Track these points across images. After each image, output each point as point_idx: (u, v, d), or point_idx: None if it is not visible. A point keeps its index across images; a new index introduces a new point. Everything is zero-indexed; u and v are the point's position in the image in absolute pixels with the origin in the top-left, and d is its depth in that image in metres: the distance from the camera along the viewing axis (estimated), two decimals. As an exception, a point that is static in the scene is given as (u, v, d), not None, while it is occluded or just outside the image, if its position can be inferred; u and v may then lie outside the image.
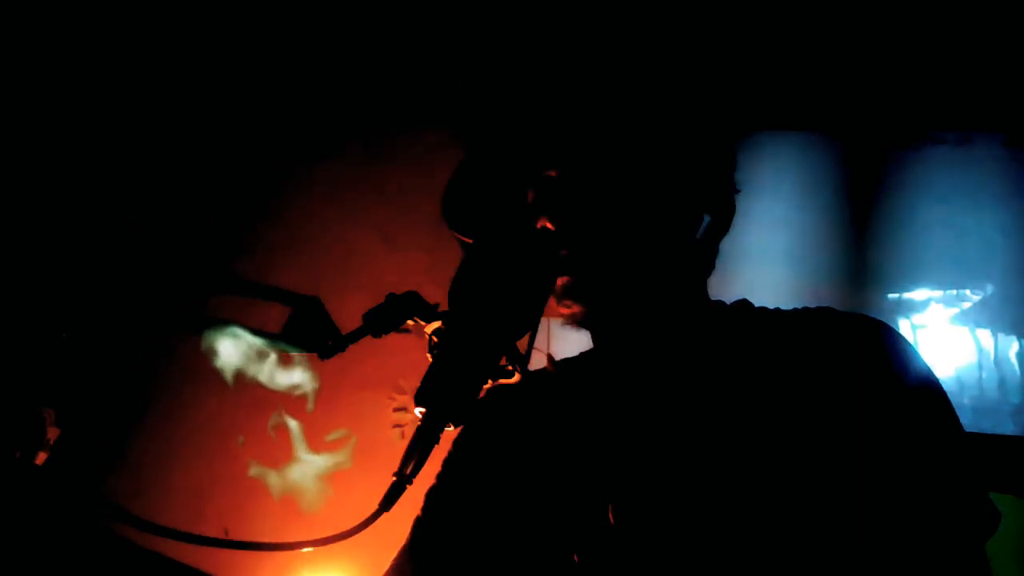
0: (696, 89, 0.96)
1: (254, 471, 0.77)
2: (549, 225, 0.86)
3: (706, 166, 0.92)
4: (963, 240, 2.02)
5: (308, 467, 0.77)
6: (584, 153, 0.88)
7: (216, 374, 0.78)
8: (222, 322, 0.76)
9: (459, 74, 2.11)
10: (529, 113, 0.92)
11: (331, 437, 0.79)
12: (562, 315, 0.90)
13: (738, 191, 0.95)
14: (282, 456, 0.78)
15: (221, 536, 0.68)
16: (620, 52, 0.95)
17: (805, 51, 2.05)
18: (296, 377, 0.77)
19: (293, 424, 0.77)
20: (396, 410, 2.12)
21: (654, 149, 0.89)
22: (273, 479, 0.78)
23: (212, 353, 0.75)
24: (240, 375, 0.75)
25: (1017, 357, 2.00)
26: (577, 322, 0.91)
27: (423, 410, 0.73)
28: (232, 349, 0.76)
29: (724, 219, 0.93)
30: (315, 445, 0.78)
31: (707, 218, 0.91)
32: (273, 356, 0.77)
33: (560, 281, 0.86)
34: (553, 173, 0.88)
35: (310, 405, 0.78)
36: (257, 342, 0.76)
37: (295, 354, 0.79)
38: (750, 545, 0.78)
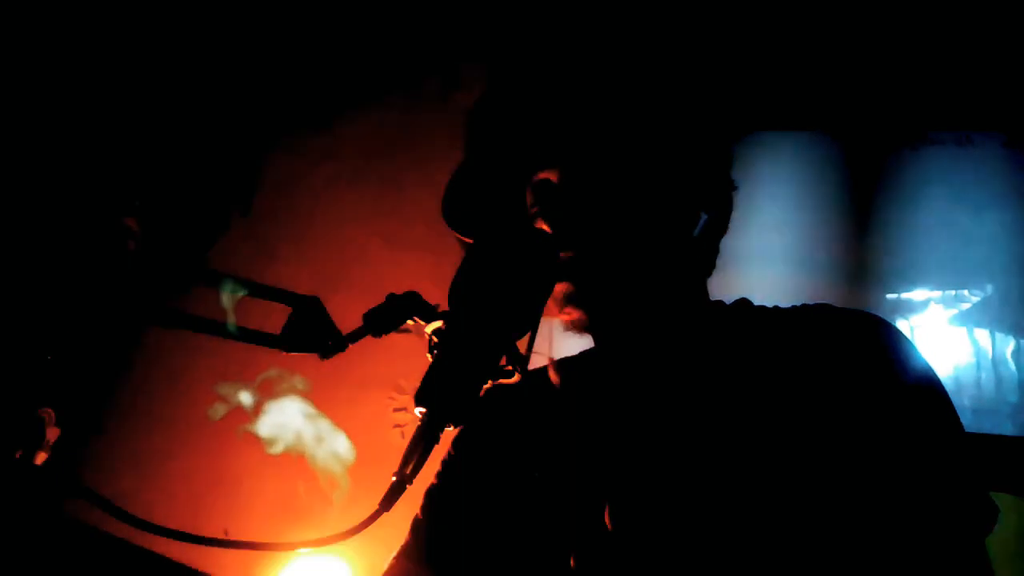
0: (690, 89, 0.96)
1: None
2: (546, 228, 0.86)
3: (702, 165, 0.92)
4: (962, 240, 2.03)
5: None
6: (581, 156, 0.88)
7: (215, 373, 0.78)
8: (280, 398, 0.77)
9: (460, 74, 2.11)
10: (528, 114, 0.92)
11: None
12: (562, 321, 0.90)
13: (735, 188, 0.95)
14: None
15: (221, 536, 0.68)
16: (616, 53, 0.95)
17: (805, 51, 2.05)
18: (342, 450, 0.78)
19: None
20: (396, 410, 2.12)
21: (650, 150, 0.89)
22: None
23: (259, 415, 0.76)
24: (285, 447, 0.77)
25: (1015, 357, 2.00)
26: (578, 328, 0.91)
27: (423, 410, 0.73)
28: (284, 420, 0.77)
29: (722, 217, 0.93)
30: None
31: (704, 216, 0.91)
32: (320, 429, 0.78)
33: (559, 287, 0.86)
34: (551, 176, 0.88)
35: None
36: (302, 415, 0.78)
37: (293, 353, 0.79)
38: (749, 546, 0.78)
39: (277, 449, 0.77)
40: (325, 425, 0.79)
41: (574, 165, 0.88)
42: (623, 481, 0.85)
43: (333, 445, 0.79)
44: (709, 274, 0.96)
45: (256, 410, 0.78)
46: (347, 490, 0.78)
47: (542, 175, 0.89)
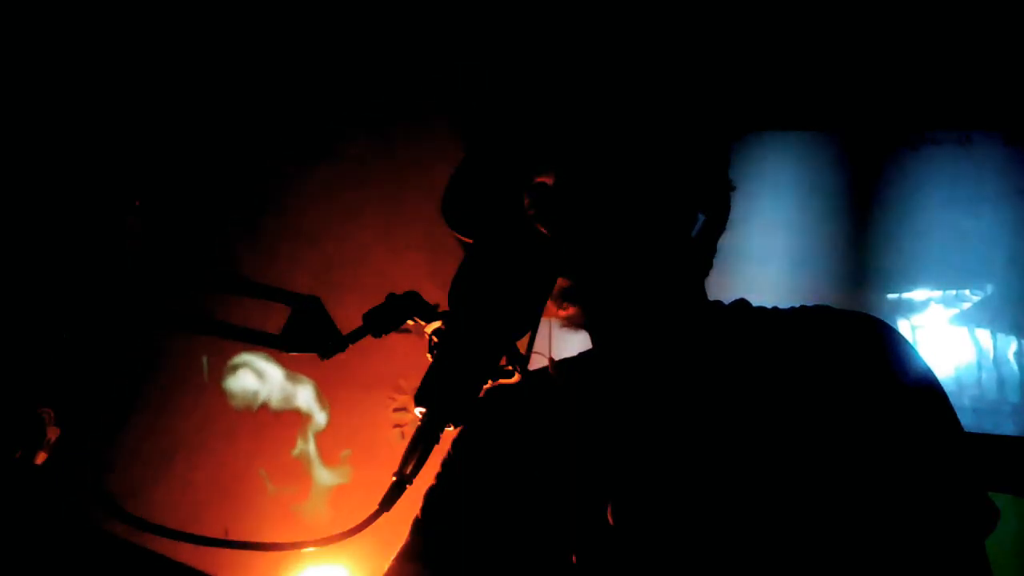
0: (687, 90, 0.96)
1: (295, 508, 0.78)
2: (544, 231, 0.86)
3: (699, 165, 0.93)
4: (963, 240, 2.03)
5: (323, 485, 0.78)
6: (577, 158, 0.88)
7: (215, 373, 0.79)
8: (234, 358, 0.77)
9: (460, 74, 2.11)
10: (525, 117, 0.92)
11: (343, 455, 0.79)
12: (560, 317, 0.90)
13: (733, 189, 0.95)
14: (286, 460, 0.78)
15: (221, 536, 0.68)
16: (613, 53, 0.95)
17: (804, 51, 2.05)
18: (307, 400, 0.78)
19: (312, 449, 0.78)
20: (396, 410, 2.12)
21: (646, 151, 0.89)
22: (306, 509, 0.78)
23: (228, 388, 0.76)
24: (260, 402, 0.76)
25: (1016, 357, 2.00)
26: (575, 324, 0.91)
27: (423, 410, 0.73)
28: (246, 380, 0.77)
29: (720, 218, 0.94)
30: (326, 459, 0.79)
31: (702, 217, 0.91)
32: (285, 382, 0.78)
33: (558, 284, 0.86)
34: (547, 179, 0.88)
35: (322, 425, 0.78)
36: (268, 367, 0.77)
37: (293, 353, 0.79)
38: (750, 545, 0.78)
39: (250, 404, 0.77)
40: (291, 378, 0.79)
41: (570, 168, 0.88)
42: (625, 478, 0.85)
43: (300, 395, 0.79)
44: (706, 274, 0.96)
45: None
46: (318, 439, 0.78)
47: (539, 179, 0.89)
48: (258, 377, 0.78)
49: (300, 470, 0.78)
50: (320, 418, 0.79)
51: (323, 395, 0.80)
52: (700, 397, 0.87)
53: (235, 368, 0.78)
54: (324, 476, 0.79)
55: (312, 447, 0.78)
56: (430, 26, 2.18)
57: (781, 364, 0.86)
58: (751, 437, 0.82)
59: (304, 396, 0.79)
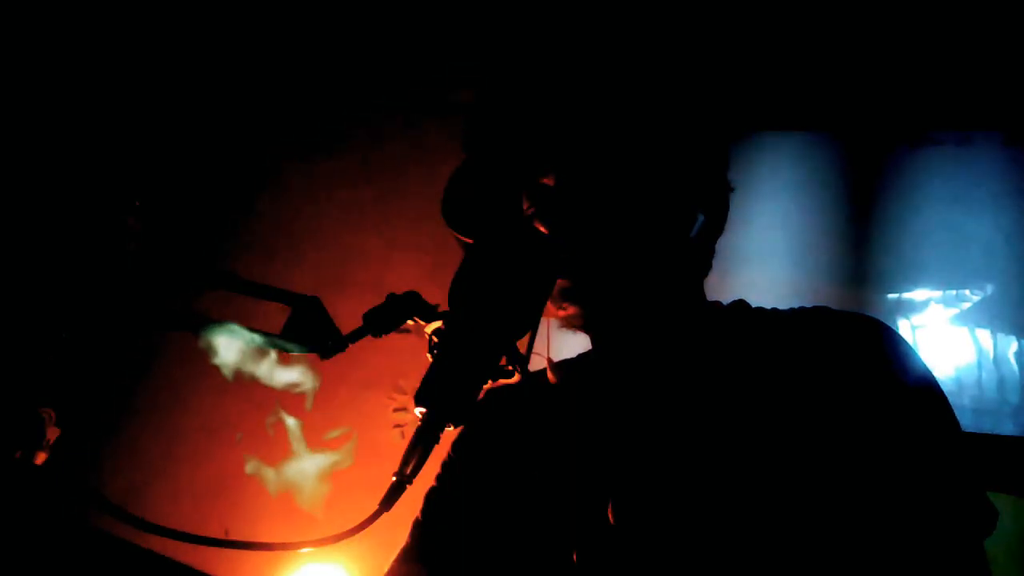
0: (687, 90, 0.96)
1: (250, 467, 0.77)
2: (545, 231, 0.86)
3: (698, 166, 0.93)
4: (963, 240, 2.03)
5: (307, 465, 0.77)
6: (577, 160, 0.88)
7: (215, 374, 0.78)
8: (220, 321, 0.76)
9: (460, 73, 2.11)
10: (525, 117, 0.92)
11: (330, 435, 0.79)
12: (559, 318, 0.90)
13: (732, 189, 0.95)
14: (280, 454, 0.78)
15: (221, 536, 0.68)
16: (613, 54, 0.95)
17: (805, 51, 2.06)
18: (295, 375, 0.78)
19: (291, 422, 0.78)
20: (396, 410, 2.12)
21: (646, 152, 0.89)
22: (270, 476, 0.78)
23: (210, 350, 0.75)
24: (239, 372, 0.76)
25: (1016, 357, 2.00)
26: (575, 325, 0.91)
27: (423, 410, 0.73)
28: (230, 346, 0.76)
29: (719, 218, 0.94)
30: (314, 443, 0.78)
31: (701, 217, 0.91)
32: (272, 353, 0.77)
33: (558, 284, 0.86)
34: (547, 179, 0.88)
35: (308, 403, 0.78)
36: (255, 339, 0.77)
37: (293, 353, 0.79)
38: (749, 545, 0.78)
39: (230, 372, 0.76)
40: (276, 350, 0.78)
41: (570, 169, 0.88)
42: (625, 477, 0.85)
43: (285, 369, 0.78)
44: (706, 275, 0.96)
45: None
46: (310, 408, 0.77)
47: (539, 179, 0.89)
48: (235, 341, 0.77)
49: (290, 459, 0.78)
50: (307, 387, 0.78)
51: (315, 368, 0.80)
52: (699, 397, 0.87)
53: (214, 337, 0.77)
54: (306, 454, 0.78)
55: (290, 418, 0.78)
56: (430, 26, 2.18)
57: (780, 365, 0.86)
58: (750, 437, 0.82)
59: (293, 367, 0.79)
